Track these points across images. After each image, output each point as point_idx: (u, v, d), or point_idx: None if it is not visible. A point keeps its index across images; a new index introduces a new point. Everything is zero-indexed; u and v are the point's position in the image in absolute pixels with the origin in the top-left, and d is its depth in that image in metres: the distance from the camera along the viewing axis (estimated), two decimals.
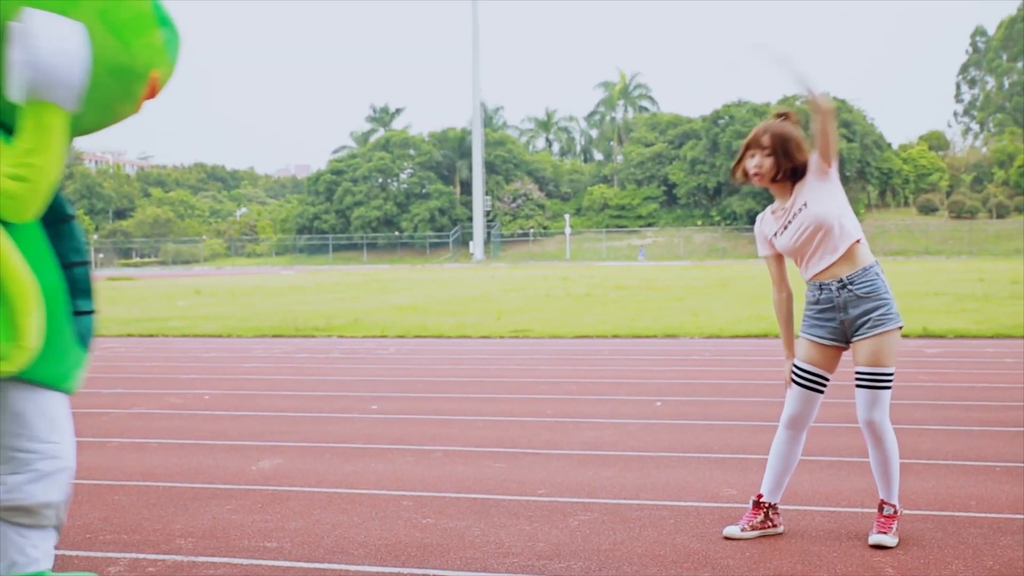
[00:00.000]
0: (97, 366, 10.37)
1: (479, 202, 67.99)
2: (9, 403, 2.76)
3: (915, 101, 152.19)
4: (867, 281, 3.79)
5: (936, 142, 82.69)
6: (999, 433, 5.92)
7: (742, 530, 3.94)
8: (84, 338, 2.88)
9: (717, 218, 70.67)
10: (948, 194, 73.82)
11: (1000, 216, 67.96)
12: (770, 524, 3.98)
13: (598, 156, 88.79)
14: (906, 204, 77.08)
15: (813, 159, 3.82)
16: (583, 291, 22.85)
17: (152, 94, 2.94)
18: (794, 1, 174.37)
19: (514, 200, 73.91)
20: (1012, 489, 4.60)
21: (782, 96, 76.07)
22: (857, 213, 73.39)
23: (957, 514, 4.22)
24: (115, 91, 2.83)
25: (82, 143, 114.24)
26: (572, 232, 68.92)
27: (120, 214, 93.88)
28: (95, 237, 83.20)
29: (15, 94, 2.52)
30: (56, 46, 2.48)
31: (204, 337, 13.66)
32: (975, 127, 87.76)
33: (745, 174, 3.90)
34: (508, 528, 4.12)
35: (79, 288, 2.85)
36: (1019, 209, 68.51)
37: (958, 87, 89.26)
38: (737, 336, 12.30)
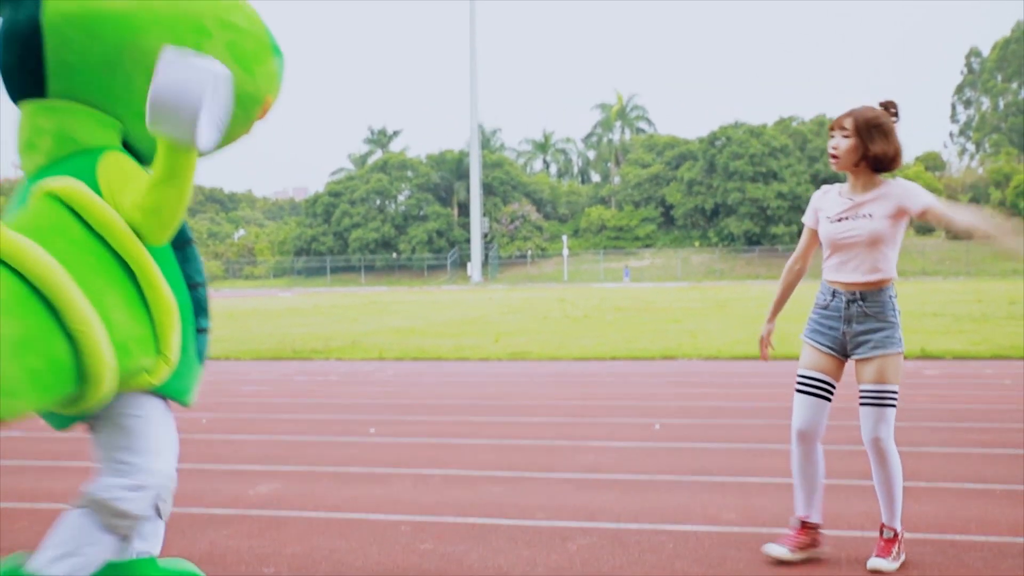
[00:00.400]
0: None
1: (477, 224, 68.04)
2: (119, 417, 2.87)
3: (911, 122, 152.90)
4: (879, 302, 3.76)
5: (932, 163, 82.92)
6: (999, 455, 5.91)
7: (791, 551, 3.87)
8: (202, 354, 3.03)
9: (715, 239, 70.76)
10: None
11: None
12: (815, 544, 3.93)
13: (595, 178, 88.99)
14: None
15: (920, 201, 3.70)
16: (581, 313, 22.85)
17: (263, 118, 3.12)
18: (790, 24, 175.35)
19: (512, 222, 73.99)
20: (1013, 512, 4.59)
21: (778, 117, 76.41)
22: None
23: (957, 537, 4.21)
24: (238, 117, 2.97)
25: None
26: (570, 254, 68.95)
27: None
28: None
29: (152, 127, 2.59)
30: (192, 86, 2.53)
31: None
32: (971, 148, 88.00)
33: (834, 157, 3.78)
34: (507, 553, 4.10)
35: (201, 307, 3.00)
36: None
37: (953, 108, 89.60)
38: (735, 358, 12.29)
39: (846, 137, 3.72)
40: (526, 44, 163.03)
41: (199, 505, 5.04)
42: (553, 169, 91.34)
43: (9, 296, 2.45)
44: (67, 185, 2.67)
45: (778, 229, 69.46)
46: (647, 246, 71.60)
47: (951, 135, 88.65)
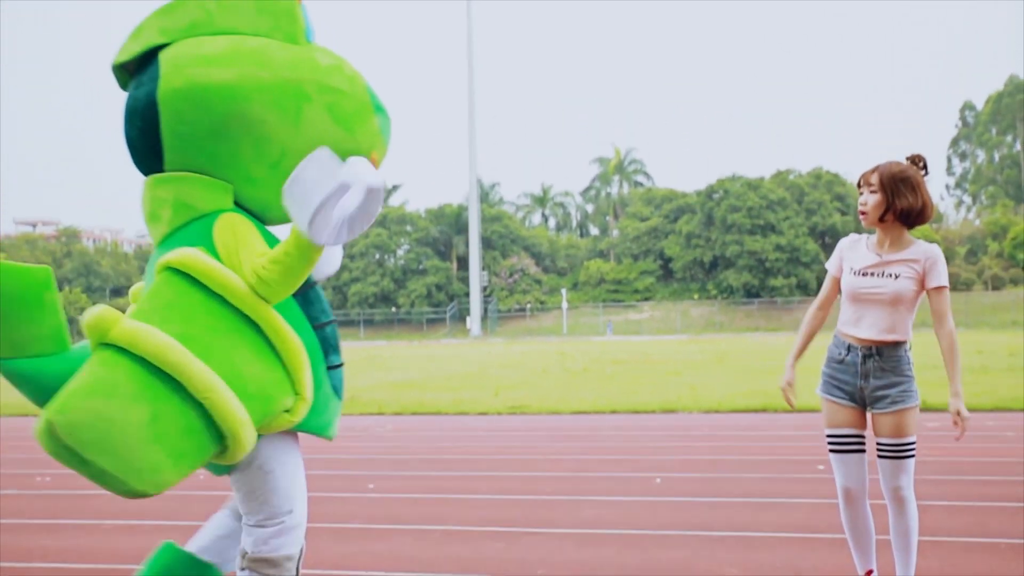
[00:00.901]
0: None
1: (476, 277, 68.16)
2: (261, 460, 3.04)
3: None
4: (895, 357, 3.77)
5: None
6: (1004, 509, 5.86)
7: None
8: (337, 389, 3.22)
9: (714, 292, 70.84)
10: None
11: (996, 288, 68.18)
12: None
13: (594, 231, 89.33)
14: None
15: (938, 281, 3.74)
16: (581, 366, 22.79)
17: None
18: (786, 77, 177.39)
19: (511, 275, 74.13)
20: (1017, 566, 4.54)
21: (775, 170, 76.91)
22: None
23: None
24: None
25: (81, 222, 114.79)
26: (569, 307, 68.99)
27: (117, 292, 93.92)
28: None
29: (294, 221, 2.81)
30: (317, 188, 2.73)
31: None
32: (967, 200, 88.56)
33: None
34: None
35: (329, 344, 3.18)
36: (1014, 281, 68.75)
37: (949, 160, 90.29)
38: (736, 410, 12.24)
39: (873, 192, 3.74)
40: (524, 98, 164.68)
41: None
42: (552, 223, 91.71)
43: (131, 383, 2.65)
44: (182, 256, 2.87)
45: (777, 281, 69.58)
46: (646, 299, 71.66)
47: (947, 187, 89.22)
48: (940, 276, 3.73)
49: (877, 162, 3.80)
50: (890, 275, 3.73)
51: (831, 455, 3.95)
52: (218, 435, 2.80)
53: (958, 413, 3.73)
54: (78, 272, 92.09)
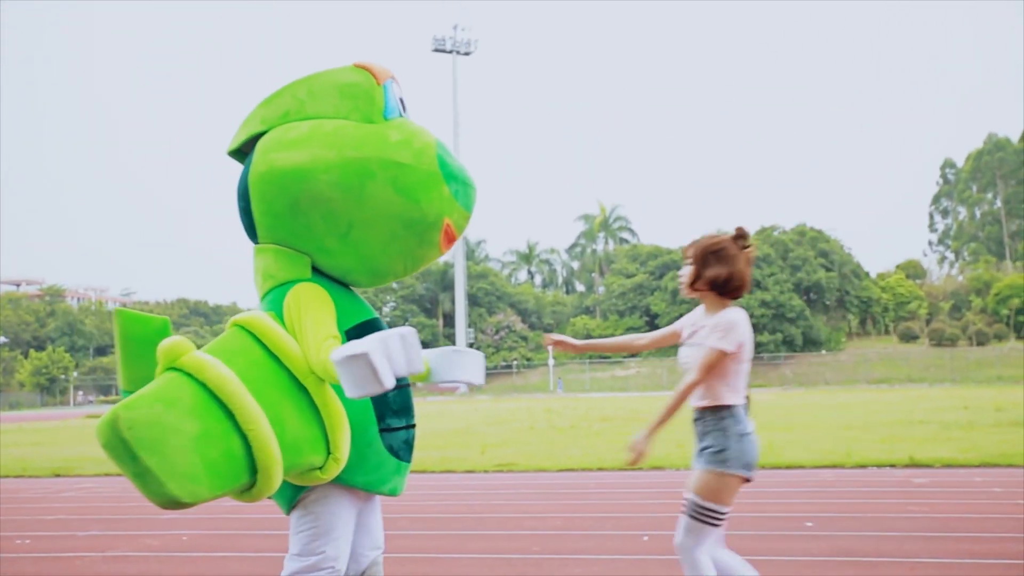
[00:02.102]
0: (72, 507, 10.14)
1: (462, 334, 68.11)
2: (308, 502, 3.42)
3: (891, 230, 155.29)
4: (713, 420, 3.87)
5: (913, 270, 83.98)
6: (993, 565, 5.83)
7: None
8: (397, 450, 3.51)
9: None
10: (928, 322, 74.57)
11: (980, 343, 68.52)
12: None
13: (580, 287, 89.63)
14: (887, 332, 77.72)
15: (707, 343, 3.84)
16: (568, 423, 22.69)
17: (451, 236, 3.57)
18: (770, 134, 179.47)
19: (497, 332, 74.11)
20: None
21: (760, 227, 77.42)
22: (838, 342, 73.91)
23: None
24: (411, 239, 3.49)
25: (65, 281, 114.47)
26: (555, 363, 68.92)
27: (101, 351, 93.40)
28: (75, 374, 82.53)
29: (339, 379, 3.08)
30: (362, 375, 2.99)
31: None
32: (950, 255, 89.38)
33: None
34: None
35: (388, 408, 3.47)
36: (998, 336, 69.13)
37: (931, 217, 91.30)
38: None
39: (689, 264, 3.95)
40: (510, 156, 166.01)
41: None
42: (538, 279, 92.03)
43: (192, 400, 2.99)
44: (249, 317, 3.30)
45: (763, 337, 69.72)
46: (632, 356, 71.70)
47: (930, 243, 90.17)
48: (709, 334, 3.83)
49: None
50: (697, 344, 3.90)
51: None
52: (252, 467, 3.07)
53: (635, 444, 3.87)
54: (62, 331, 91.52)
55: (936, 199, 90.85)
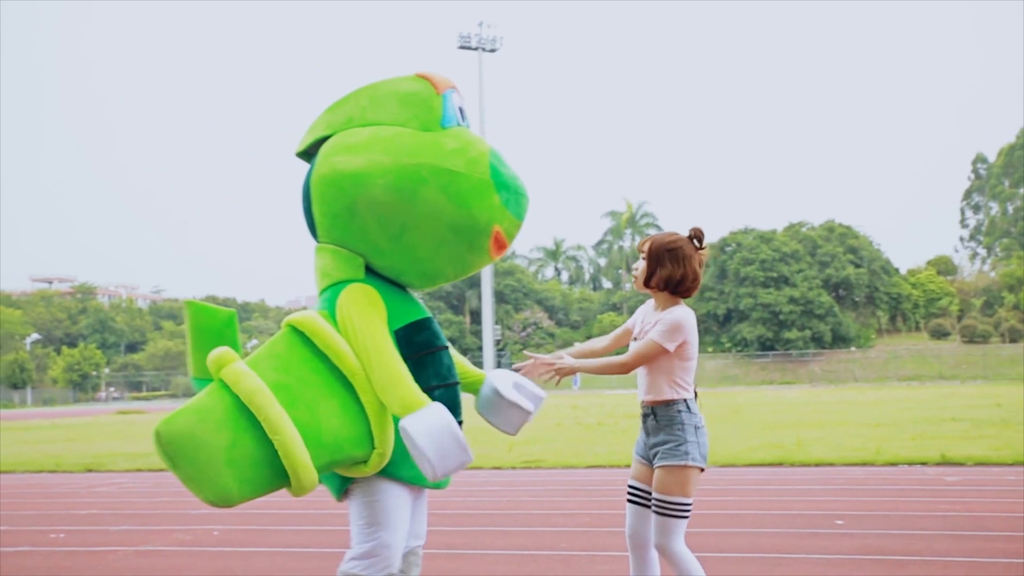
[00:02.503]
0: (105, 503, 10.26)
1: (489, 332, 68.18)
2: (362, 495, 3.60)
3: (921, 226, 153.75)
4: (667, 416, 3.91)
5: (944, 267, 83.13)
6: None
7: None
8: None
9: (728, 345, 70.63)
10: (959, 318, 73.82)
11: (1013, 340, 67.72)
12: None
13: (607, 284, 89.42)
14: (917, 329, 77.00)
15: (652, 329, 3.91)
16: (594, 420, 22.68)
17: (501, 243, 3.68)
18: (798, 130, 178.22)
19: (524, 329, 74.12)
20: None
21: (788, 223, 76.98)
22: (867, 339, 73.33)
23: None
24: (461, 245, 3.62)
25: (96, 279, 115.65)
26: None
27: (132, 347, 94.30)
28: (107, 371, 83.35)
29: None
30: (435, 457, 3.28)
31: None
32: (982, 252, 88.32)
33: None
34: None
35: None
36: None
37: (963, 212, 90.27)
38: (751, 464, 12.14)
39: (643, 259, 3.99)
40: (536, 153, 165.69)
41: None
42: (564, 276, 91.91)
43: (223, 412, 3.25)
44: (301, 317, 3.51)
45: (791, 334, 69.31)
46: None
47: (961, 239, 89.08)
48: (654, 329, 3.89)
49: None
50: (639, 337, 3.95)
51: (626, 504, 4.13)
52: (284, 472, 3.29)
53: (560, 366, 3.92)
54: (93, 328, 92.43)
55: (967, 194, 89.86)
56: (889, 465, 11.56)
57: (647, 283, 3.97)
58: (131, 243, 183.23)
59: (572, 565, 6.14)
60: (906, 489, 9.36)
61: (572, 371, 3.93)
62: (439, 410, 3.33)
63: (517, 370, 4.06)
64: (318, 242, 3.81)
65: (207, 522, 8.43)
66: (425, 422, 3.28)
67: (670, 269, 3.90)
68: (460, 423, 3.73)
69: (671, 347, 3.85)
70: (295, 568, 6.26)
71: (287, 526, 8.13)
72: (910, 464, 11.56)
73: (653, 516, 3.91)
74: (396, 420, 3.48)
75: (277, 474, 3.31)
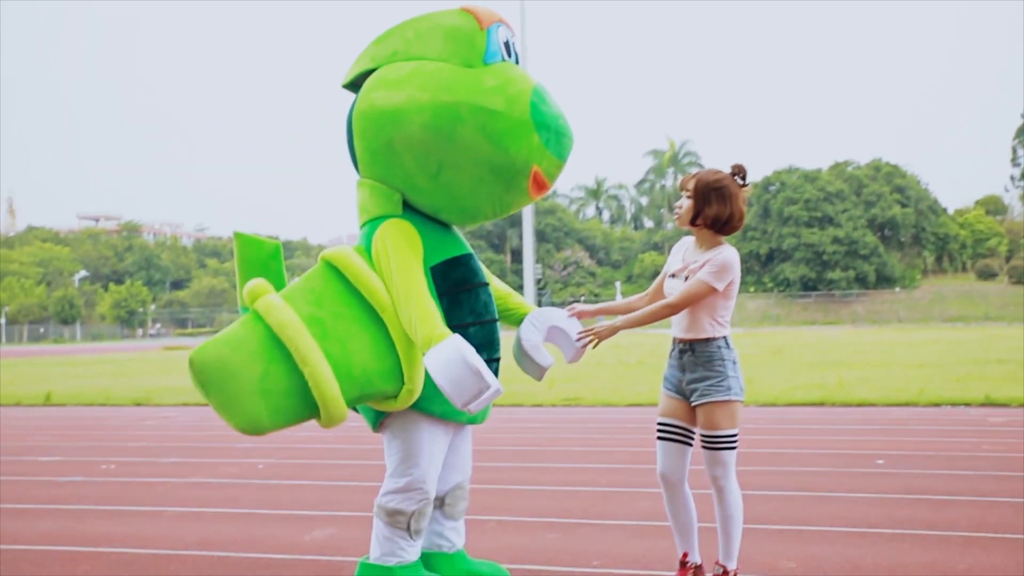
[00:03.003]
0: (154, 435, 10.48)
1: (530, 270, 68.05)
2: (396, 430, 3.71)
3: (971, 165, 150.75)
4: (706, 352, 3.90)
5: (993, 206, 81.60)
6: None
7: None
8: None
9: (770, 285, 70.11)
10: (1008, 259, 72.60)
11: None
12: None
13: (648, 224, 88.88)
14: (964, 270, 75.92)
15: (699, 272, 3.87)
16: (635, 359, 22.71)
17: (540, 184, 3.65)
18: (844, 67, 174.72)
19: (565, 268, 74.06)
20: None
21: (833, 161, 75.76)
22: (912, 279, 72.43)
23: None
24: (498, 185, 3.62)
25: (141, 217, 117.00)
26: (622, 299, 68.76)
27: (177, 284, 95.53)
28: (152, 307, 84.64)
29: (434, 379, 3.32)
30: (458, 384, 3.27)
31: None
32: None
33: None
34: None
35: (471, 343, 3.53)
36: None
37: (1014, 151, 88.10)
38: (793, 404, 12.12)
39: (688, 198, 3.91)
40: (578, 91, 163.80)
41: (255, 550, 5.07)
42: (606, 215, 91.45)
43: (256, 343, 3.32)
44: (335, 253, 3.57)
45: (835, 274, 68.63)
46: None
47: (1012, 179, 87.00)
48: (704, 269, 3.84)
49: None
50: (685, 277, 3.91)
51: (657, 442, 4.08)
52: (314, 403, 3.35)
53: (599, 330, 3.96)
54: (139, 266, 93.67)
55: (1019, 132, 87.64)
56: (932, 406, 11.48)
57: (693, 222, 3.92)
58: (176, 186, 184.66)
59: (611, 501, 6.19)
60: (949, 430, 9.30)
61: (613, 332, 3.95)
62: (455, 342, 3.30)
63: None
64: (360, 176, 3.83)
65: (252, 455, 8.59)
66: (439, 355, 3.27)
67: (716, 208, 3.84)
68: (497, 359, 3.77)
69: (720, 287, 3.83)
70: (340, 501, 6.37)
71: (331, 459, 8.27)
72: (953, 405, 11.47)
73: (705, 451, 3.93)
74: None
75: (307, 405, 3.37)
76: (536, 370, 3.97)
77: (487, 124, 3.50)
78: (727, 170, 3.95)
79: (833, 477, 6.85)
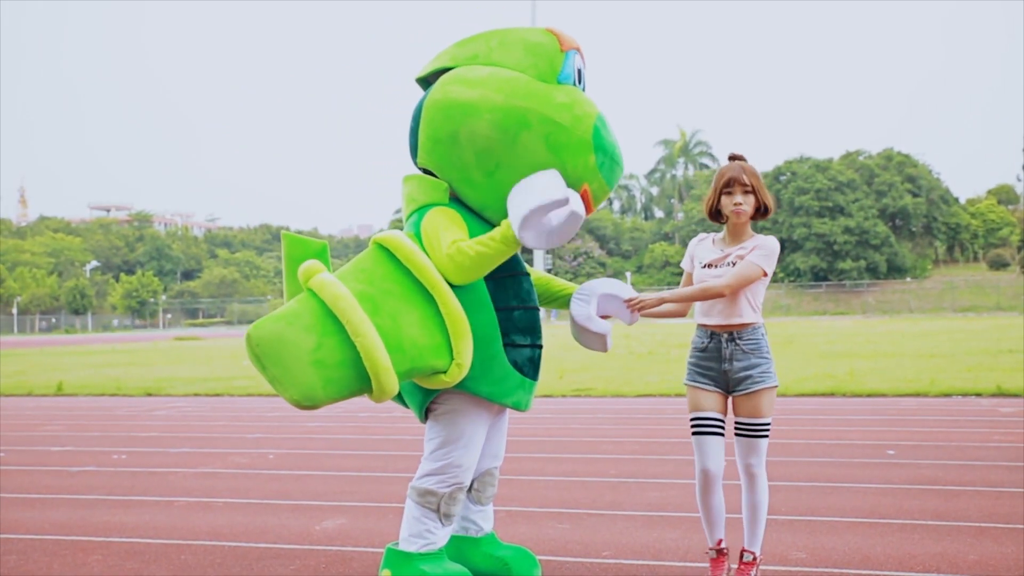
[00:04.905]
0: (164, 425, 10.52)
1: (540, 260, 68.17)
2: (439, 412, 3.83)
3: (983, 154, 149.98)
4: (753, 339, 3.94)
5: (1006, 196, 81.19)
6: None
7: None
8: (520, 365, 3.87)
9: (780, 275, 69.94)
10: (1019, 249, 72.26)
11: None
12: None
13: (659, 214, 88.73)
14: (975, 259, 75.62)
15: (751, 256, 3.91)
16: (645, 349, 22.70)
17: (587, 204, 3.76)
18: (855, 55, 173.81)
19: (575, 258, 73.98)
20: None
21: (844, 151, 75.45)
22: (924, 269, 72.19)
23: None
24: None
25: (153, 207, 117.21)
26: (634, 290, 68.72)
27: (188, 275, 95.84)
28: (164, 298, 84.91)
29: (511, 216, 3.57)
30: (536, 199, 3.49)
31: (269, 396, 13.70)
32: None
33: (718, 213, 4.00)
34: None
35: (514, 326, 3.83)
36: None
37: None
38: (803, 394, 12.10)
39: (748, 193, 3.95)
40: (589, 80, 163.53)
41: (265, 540, 5.09)
42: (616, 205, 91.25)
43: (311, 317, 3.46)
44: (387, 236, 3.69)
45: (846, 264, 68.42)
46: None
47: None
48: (755, 254, 3.90)
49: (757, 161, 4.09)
50: (728, 264, 3.94)
51: (693, 437, 4.07)
52: (366, 376, 3.47)
53: (646, 299, 4.02)
54: (150, 256, 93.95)
55: None
56: (943, 396, 11.45)
57: (755, 216, 3.98)
58: (187, 176, 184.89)
59: (621, 492, 6.19)
60: (960, 420, 9.28)
61: (660, 302, 3.99)
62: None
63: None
64: (416, 163, 3.98)
65: (263, 446, 8.61)
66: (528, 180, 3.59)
67: (766, 194, 3.98)
68: (541, 347, 3.94)
69: (770, 271, 3.92)
70: (350, 491, 6.39)
71: (342, 450, 8.28)
72: (964, 395, 11.44)
73: (742, 439, 3.96)
74: (477, 336, 3.67)
75: (360, 377, 3.48)
76: (596, 340, 4.03)
77: (551, 135, 3.69)
78: (726, 160, 4.09)
79: (843, 467, 6.84)
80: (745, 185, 3.92)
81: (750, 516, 4.01)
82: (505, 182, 3.73)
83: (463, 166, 3.80)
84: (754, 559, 3.99)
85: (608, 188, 3.87)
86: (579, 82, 3.94)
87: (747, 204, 3.93)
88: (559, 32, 3.91)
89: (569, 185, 3.70)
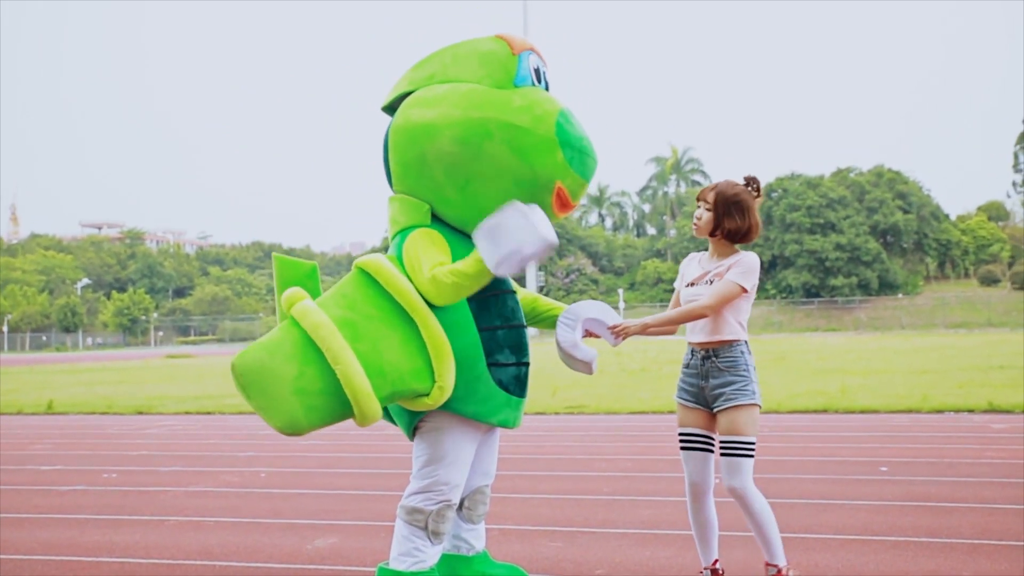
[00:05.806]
0: (155, 444, 10.47)
1: (532, 277, 68.21)
2: (425, 430, 3.83)
3: (973, 170, 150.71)
4: (730, 356, 3.95)
5: (996, 212, 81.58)
6: None
7: None
8: (506, 384, 3.84)
9: (772, 291, 70.07)
10: (1010, 265, 72.54)
11: None
12: None
13: (651, 231, 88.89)
14: (966, 276, 75.85)
15: (727, 276, 3.93)
16: (638, 366, 22.69)
17: (564, 201, 3.81)
18: (845, 72, 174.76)
19: (567, 275, 74.00)
20: None
21: (836, 168, 75.76)
22: (915, 286, 72.38)
23: None
24: (522, 199, 3.69)
25: (144, 224, 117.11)
26: (626, 307, 68.70)
27: (179, 292, 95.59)
28: (155, 315, 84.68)
29: (482, 255, 3.55)
30: (508, 236, 3.51)
31: None
32: None
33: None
34: None
35: (498, 345, 3.82)
36: None
37: (1016, 157, 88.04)
38: (795, 411, 12.10)
39: (708, 210, 4.00)
40: (580, 98, 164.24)
41: (257, 559, 5.06)
42: (608, 222, 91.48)
43: (292, 346, 3.48)
44: (368, 260, 3.70)
45: (837, 281, 68.59)
46: None
47: (1014, 184, 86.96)
48: (732, 271, 3.93)
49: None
50: (707, 282, 3.98)
51: (680, 452, 4.13)
52: (348, 402, 3.48)
53: (628, 325, 4.01)
54: (142, 273, 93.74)
55: (1021, 138, 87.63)
56: (935, 412, 11.46)
57: (712, 233, 4.01)
58: (179, 194, 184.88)
59: (614, 509, 6.18)
60: (952, 436, 9.28)
61: (643, 328, 3.99)
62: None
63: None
64: (393, 191, 4.02)
65: (254, 464, 8.57)
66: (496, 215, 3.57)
67: (737, 222, 3.96)
68: (527, 364, 3.91)
69: (748, 287, 3.92)
70: (342, 510, 6.36)
71: (332, 469, 8.25)
72: (956, 412, 11.45)
73: (723, 459, 3.96)
74: (460, 358, 3.67)
75: (342, 403, 3.50)
76: (581, 366, 4.02)
77: (514, 140, 3.69)
78: (738, 179, 4.06)
79: (835, 484, 6.83)
80: (707, 201, 3.99)
81: (756, 532, 4.03)
82: (479, 194, 3.77)
83: (436, 186, 3.83)
84: (779, 572, 3.99)
85: (584, 181, 3.86)
86: (539, 81, 3.93)
87: (703, 220, 3.99)
88: (508, 36, 3.94)
89: (541, 185, 3.73)
